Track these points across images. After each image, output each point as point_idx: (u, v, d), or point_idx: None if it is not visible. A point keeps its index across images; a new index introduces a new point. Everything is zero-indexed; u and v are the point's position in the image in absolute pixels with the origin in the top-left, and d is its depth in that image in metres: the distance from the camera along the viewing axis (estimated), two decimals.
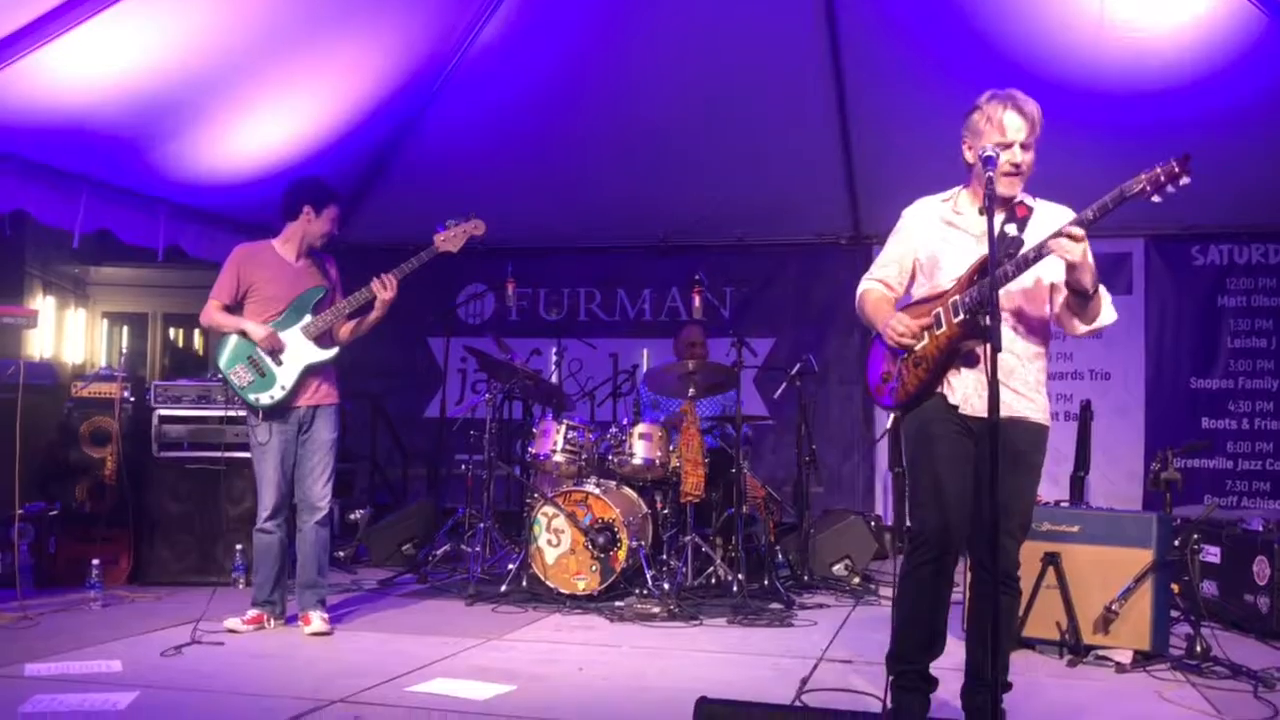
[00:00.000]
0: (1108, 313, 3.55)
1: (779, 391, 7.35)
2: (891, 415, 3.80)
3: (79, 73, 5.64)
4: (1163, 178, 3.16)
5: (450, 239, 5.49)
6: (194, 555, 6.59)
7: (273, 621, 5.37)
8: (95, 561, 5.94)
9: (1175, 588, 5.09)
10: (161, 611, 5.74)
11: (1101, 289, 3.49)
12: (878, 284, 3.85)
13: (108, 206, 6.79)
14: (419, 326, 8.99)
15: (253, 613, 5.33)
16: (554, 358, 7.81)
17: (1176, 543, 5.15)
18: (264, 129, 7.03)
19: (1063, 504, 5.56)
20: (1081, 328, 3.57)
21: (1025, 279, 3.51)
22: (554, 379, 7.61)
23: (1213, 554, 5.77)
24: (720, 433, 7.20)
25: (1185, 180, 3.14)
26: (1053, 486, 7.50)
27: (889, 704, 3.66)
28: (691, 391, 6.53)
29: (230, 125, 6.81)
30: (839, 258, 8.71)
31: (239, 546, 6.46)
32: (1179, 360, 8.18)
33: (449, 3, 7.03)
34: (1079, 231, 3.27)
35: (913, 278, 3.80)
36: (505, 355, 6.88)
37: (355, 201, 8.58)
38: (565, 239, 9.14)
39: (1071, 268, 3.35)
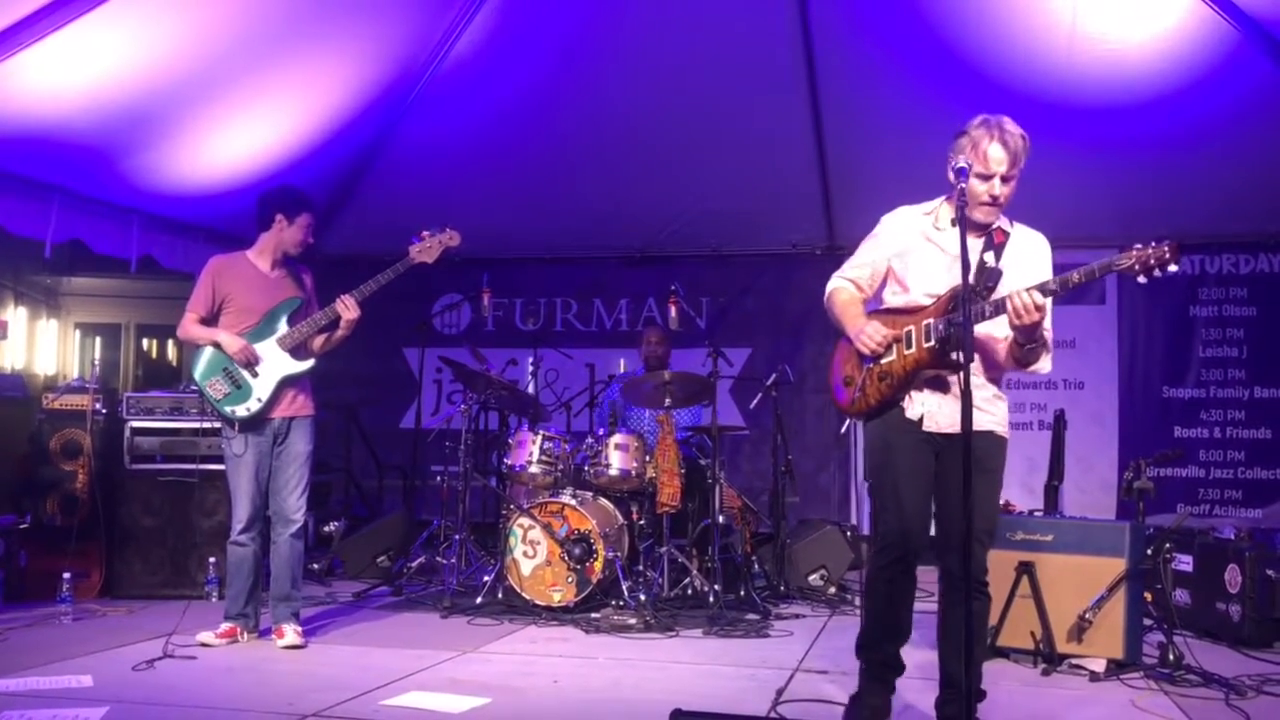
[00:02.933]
0: (1044, 364, 3.60)
1: (755, 402, 7.36)
2: (847, 420, 3.86)
3: (51, 82, 5.60)
4: (1152, 260, 3.19)
5: (425, 250, 5.49)
6: (167, 568, 6.54)
7: (246, 635, 5.33)
8: (66, 575, 5.89)
9: (1148, 596, 5.12)
10: (133, 625, 5.70)
11: (1048, 337, 3.55)
12: (848, 283, 3.89)
13: (80, 217, 6.74)
14: (394, 337, 8.98)
15: (226, 626, 5.29)
16: (530, 368, 7.80)
17: (1149, 551, 5.17)
18: (238, 139, 7.00)
19: (1037, 513, 5.59)
20: (1012, 366, 3.64)
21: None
22: (530, 389, 7.60)
23: (1185, 562, 5.81)
24: (696, 443, 7.20)
25: (1173, 268, 3.19)
26: (1027, 495, 7.53)
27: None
28: (668, 402, 6.54)
29: (204, 135, 6.78)
30: (814, 268, 8.71)
31: (212, 559, 6.42)
32: (1151, 370, 8.25)
33: (423, 14, 7.02)
34: (1041, 301, 3.30)
35: (884, 282, 3.84)
36: (481, 365, 6.87)
37: (331, 212, 8.57)
38: (541, 249, 9.14)
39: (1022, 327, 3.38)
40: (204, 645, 5.16)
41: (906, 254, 3.73)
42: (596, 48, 7.35)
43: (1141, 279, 3.24)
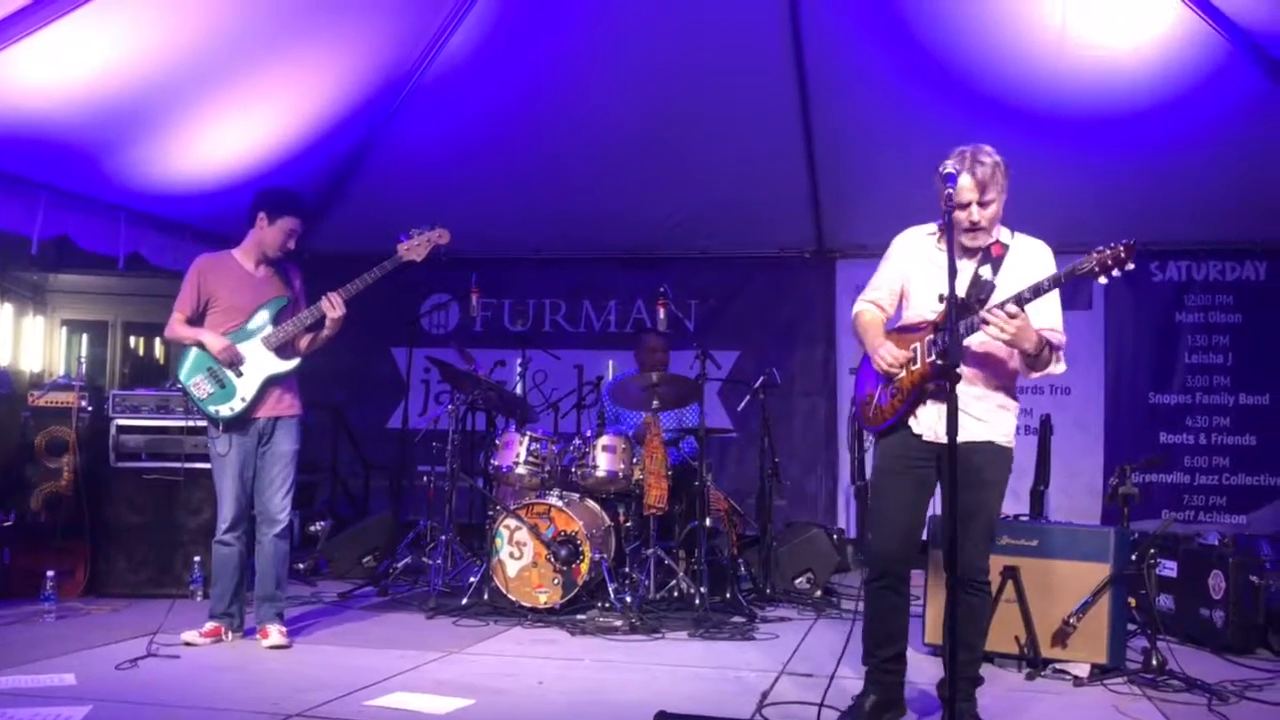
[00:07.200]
0: (1057, 366, 3.85)
1: (743, 404, 7.35)
2: (869, 437, 4.12)
3: (38, 78, 5.58)
4: (1110, 261, 3.53)
5: (414, 248, 5.47)
6: (151, 567, 6.51)
7: (230, 634, 5.31)
8: (50, 573, 5.85)
9: (1132, 601, 5.14)
10: (117, 624, 5.67)
11: (1060, 340, 3.80)
12: (871, 305, 4.12)
13: (67, 213, 6.72)
14: (382, 336, 8.96)
15: (210, 625, 5.27)
16: (518, 369, 7.78)
17: (1134, 557, 5.18)
18: (226, 137, 6.98)
19: (1022, 518, 5.60)
20: (1031, 375, 3.88)
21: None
22: (518, 390, 7.59)
23: (1169, 568, 5.83)
24: (684, 445, 7.20)
25: (1130, 266, 3.52)
26: (1012, 501, 7.51)
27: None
28: (655, 404, 6.53)
29: (192, 133, 6.76)
30: (803, 271, 8.77)
31: (197, 558, 6.39)
32: (1137, 376, 8.27)
33: (414, 13, 7.01)
34: (1014, 310, 3.56)
35: (903, 298, 4.07)
36: (469, 366, 6.86)
37: (320, 211, 8.54)
38: (531, 250, 9.13)
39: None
40: (188, 644, 5.14)
41: (912, 274, 3.98)
42: (588, 49, 7.35)
43: (1102, 279, 3.56)
